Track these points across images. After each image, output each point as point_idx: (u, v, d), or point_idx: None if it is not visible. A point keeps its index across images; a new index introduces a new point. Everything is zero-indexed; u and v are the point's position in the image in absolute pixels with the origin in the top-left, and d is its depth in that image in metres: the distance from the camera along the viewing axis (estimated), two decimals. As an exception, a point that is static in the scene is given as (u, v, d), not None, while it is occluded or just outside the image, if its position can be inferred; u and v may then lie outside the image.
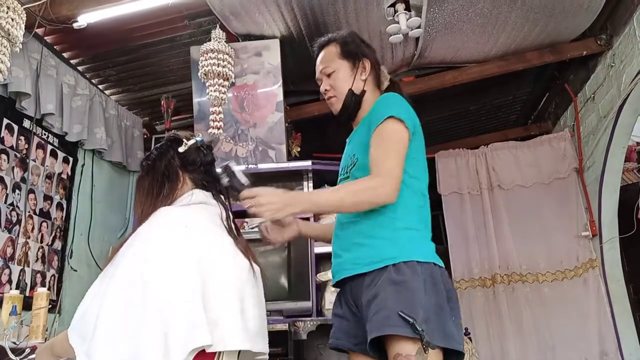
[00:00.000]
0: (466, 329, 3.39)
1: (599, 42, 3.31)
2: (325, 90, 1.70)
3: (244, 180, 1.44)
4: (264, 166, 2.98)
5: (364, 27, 3.02)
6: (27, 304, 2.31)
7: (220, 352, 1.25)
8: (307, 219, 2.53)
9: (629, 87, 3.00)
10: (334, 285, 1.61)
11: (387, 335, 1.33)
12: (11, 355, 1.92)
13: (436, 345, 1.31)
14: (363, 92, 1.65)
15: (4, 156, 2.61)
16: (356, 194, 1.43)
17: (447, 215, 3.98)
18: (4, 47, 2.13)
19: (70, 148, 3.14)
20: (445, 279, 1.44)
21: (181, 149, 1.47)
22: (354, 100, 1.64)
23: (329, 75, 1.68)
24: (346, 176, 1.62)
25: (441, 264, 1.46)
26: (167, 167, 1.46)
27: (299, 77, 3.54)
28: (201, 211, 1.39)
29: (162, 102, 3.46)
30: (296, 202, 1.42)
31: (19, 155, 2.72)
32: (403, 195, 1.46)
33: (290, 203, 1.41)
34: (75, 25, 2.67)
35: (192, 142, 1.49)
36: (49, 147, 2.96)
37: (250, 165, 2.94)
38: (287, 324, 2.60)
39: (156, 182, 1.44)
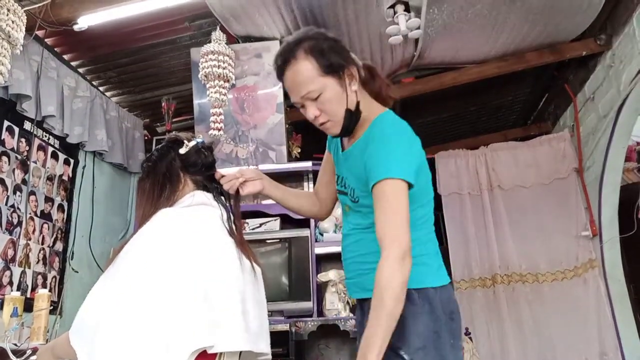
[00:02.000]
0: (467, 329, 3.39)
1: (598, 42, 3.31)
2: (315, 117, 1.42)
3: None
4: (264, 167, 2.99)
5: (364, 28, 3.02)
6: (28, 306, 2.31)
7: (221, 353, 1.25)
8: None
9: (629, 87, 3.00)
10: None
11: None
12: (12, 357, 1.92)
13: None
14: (358, 104, 1.43)
15: (5, 158, 2.62)
16: (390, 293, 1.25)
17: (447, 216, 3.98)
18: (5, 49, 2.14)
19: (71, 150, 3.14)
20: (446, 299, 1.40)
21: (182, 151, 1.47)
22: (354, 119, 1.43)
23: (315, 99, 1.40)
24: (353, 201, 1.49)
25: (442, 283, 1.40)
26: (168, 169, 1.46)
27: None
28: (202, 212, 1.40)
29: (163, 104, 3.46)
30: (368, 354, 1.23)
31: (19, 157, 2.72)
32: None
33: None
34: (75, 27, 2.68)
35: (192, 143, 1.49)
36: (50, 149, 2.97)
37: (250, 167, 2.95)
38: (288, 325, 2.61)
39: (157, 184, 1.44)
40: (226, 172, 1.58)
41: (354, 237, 1.52)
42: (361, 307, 1.54)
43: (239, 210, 1.54)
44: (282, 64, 1.44)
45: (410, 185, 1.34)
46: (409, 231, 1.31)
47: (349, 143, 1.52)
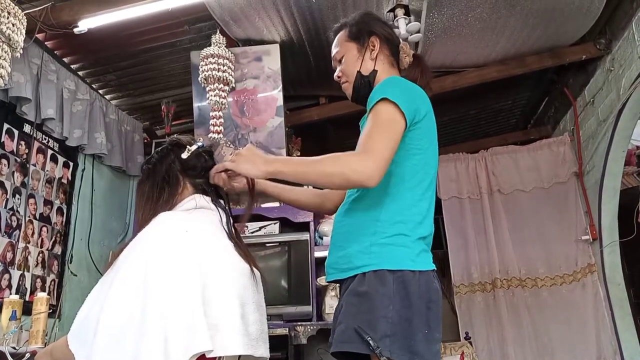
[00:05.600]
0: (466, 333, 3.39)
1: (598, 47, 3.32)
2: (338, 77, 1.62)
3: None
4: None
5: (364, 31, 3.02)
6: (27, 309, 2.30)
7: (220, 357, 1.25)
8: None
9: (628, 91, 3.00)
10: (327, 281, 1.54)
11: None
12: (11, 361, 1.92)
13: None
14: (374, 72, 1.54)
15: (4, 161, 2.61)
16: (332, 164, 1.30)
17: (446, 220, 3.98)
18: (5, 52, 2.13)
19: (70, 153, 3.14)
20: (425, 286, 1.31)
21: (184, 155, 1.47)
22: (363, 82, 1.54)
23: (340, 61, 1.61)
24: None
25: (424, 268, 1.33)
26: (167, 172, 1.46)
27: (299, 82, 3.55)
28: (201, 216, 1.40)
29: (163, 107, 3.46)
30: (270, 161, 1.37)
31: (19, 160, 2.72)
32: (394, 192, 1.36)
33: (266, 160, 1.37)
34: (75, 30, 2.68)
35: (194, 147, 1.49)
36: (49, 152, 2.96)
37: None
38: (287, 329, 2.60)
39: (156, 187, 1.44)
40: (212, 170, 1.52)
41: (342, 216, 1.48)
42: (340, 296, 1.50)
43: (249, 212, 1.56)
44: (334, 33, 1.67)
45: (405, 122, 1.34)
46: (392, 152, 1.31)
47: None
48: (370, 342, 1.20)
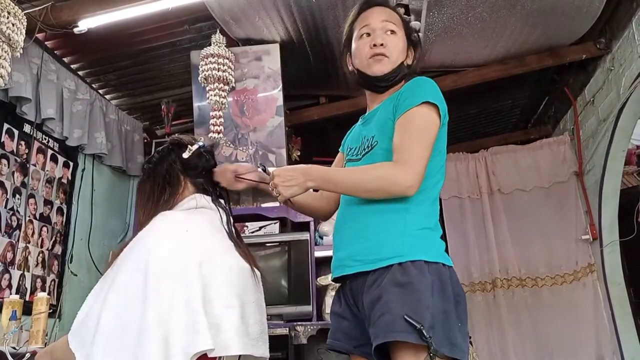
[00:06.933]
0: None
1: (598, 46, 3.31)
2: (380, 44, 1.47)
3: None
4: (264, 170, 2.98)
5: (364, 31, 3.02)
6: (27, 309, 2.30)
7: (221, 357, 1.25)
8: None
9: (629, 91, 3.00)
10: (333, 280, 1.50)
11: (393, 341, 1.23)
12: (11, 360, 1.92)
13: (444, 354, 1.20)
14: (408, 70, 1.53)
15: (4, 161, 2.61)
16: (374, 180, 1.32)
17: (446, 220, 3.98)
18: (5, 52, 2.13)
19: (70, 153, 3.14)
20: (455, 281, 1.33)
21: (185, 155, 1.47)
22: (400, 73, 1.50)
23: (389, 32, 1.49)
24: (357, 159, 1.48)
25: (450, 263, 1.35)
26: (168, 171, 1.46)
27: (299, 81, 3.55)
28: (202, 215, 1.40)
29: (163, 107, 3.46)
30: (311, 175, 1.35)
31: (19, 160, 2.72)
32: (421, 189, 1.34)
33: (307, 175, 1.35)
34: (75, 30, 2.68)
35: (195, 147, 1.49)
36: (49, 152, 2.96)
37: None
38: (287, 328, 2.60)
39: (157, 187, 1.44)
40: (220, 168, 1.56)
41: (358, 207, 1.43)
42: (338, 297, 1.48)
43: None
44: (377, 3, 1.56)
45: (440, 123, 1.36)
46: (427, 161, 1.33)
47: (374, 104, 1.55)
48: (423, 330, 1.18)
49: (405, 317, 1.19)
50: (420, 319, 1.19)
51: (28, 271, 2.70)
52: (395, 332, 1.21)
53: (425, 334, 1.17)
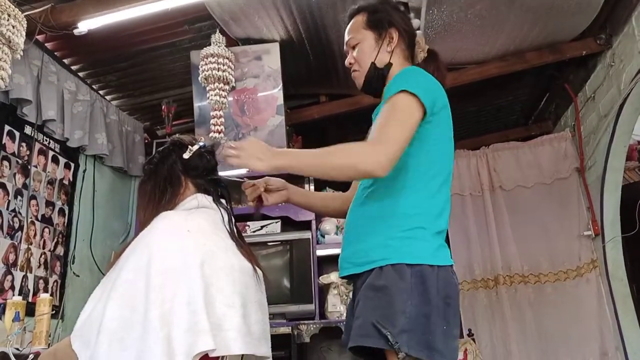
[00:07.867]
0: (469, 330, 3.39)
1: (598, 42, 3.31)
2: (350, 63, 1.56)
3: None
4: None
5: (364, 29, 3.02)
6: (30, 310, 2.31)
7: (223, 357, 1.25)
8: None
9: (629, 86, 3.00)
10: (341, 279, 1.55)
11: None
12: (15, 362, 1.92)
13: (416, 359, 1.20)
14: (389, 64, 1.50)
15: (5, 163, 2.62)
16: (343, 158, 1.29)
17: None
18: (5, 54, 2.14)
19: (71, 154, 3.14)
20: (445, 282, 1.29)
21: (186, 155, 1.47)
22: (376, 75, 1.50)
23: (353, 47, 1.55)
24: None
25: (443, 263, 1.31)
26: (169, 172, 1.46)
27: (299, 80, 3.55)
28: (203, 215, 1.40)
29: (163, 107, 3.46)
30: (279, 154, 1.33)
31: (20, 161, 2.72)
32: (410, 184, 1.34)
33: (274, 153, 1.32)
34: (75, 31, 2.68)
35: (196, 147, 1.49)
36: (51, 153, 2.97)
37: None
38: (290, 327, 2.61)
39: (158, 187, 1.44)
40: (253, 182, 1.58)
41: (359, 206, 1.44)
42: (353, 293, 1.46)
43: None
44: (349, 16, 1.61)
45: (424, 111, 1.32)
46: (405, 141, 1.28)
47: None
48: (389, 336, 1.18)
49: (374, 322, 1.20)
50: (391, 324, 1.20)
51: (30, 272, 2.71)
52: (363, 336, 1.23)
53: (391, 340, 1.18)
